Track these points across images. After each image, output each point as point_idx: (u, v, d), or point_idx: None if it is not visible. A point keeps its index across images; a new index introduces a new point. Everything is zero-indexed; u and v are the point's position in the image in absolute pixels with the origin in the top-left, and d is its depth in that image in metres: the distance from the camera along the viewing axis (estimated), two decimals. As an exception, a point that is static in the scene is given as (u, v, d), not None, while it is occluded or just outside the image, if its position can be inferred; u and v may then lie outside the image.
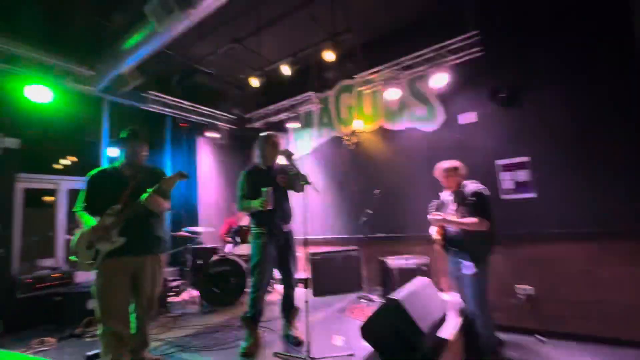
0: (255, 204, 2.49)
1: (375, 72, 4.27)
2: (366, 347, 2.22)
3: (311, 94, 4.87)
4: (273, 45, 4.56)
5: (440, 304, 2.51)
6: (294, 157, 2.60)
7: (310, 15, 3.98)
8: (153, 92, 4.39)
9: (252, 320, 2.55)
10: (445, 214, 2.66)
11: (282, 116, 5.23)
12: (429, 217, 2.70)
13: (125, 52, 3.48)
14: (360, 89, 4.50)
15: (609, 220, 3.02)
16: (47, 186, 4.18)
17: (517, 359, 2.85)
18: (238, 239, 4.33)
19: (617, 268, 3.00)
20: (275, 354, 2.37)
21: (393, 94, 4.13)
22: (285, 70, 4.38)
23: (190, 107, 4.92)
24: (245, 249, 4.15)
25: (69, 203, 4.35)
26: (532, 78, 3.47)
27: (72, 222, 4.79)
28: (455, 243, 2.68)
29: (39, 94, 3.32)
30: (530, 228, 3.38)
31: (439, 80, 3.77)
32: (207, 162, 5.62)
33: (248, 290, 3.97)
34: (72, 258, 2.17)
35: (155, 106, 4.47)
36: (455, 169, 2.72)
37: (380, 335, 2.14)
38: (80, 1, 3.31)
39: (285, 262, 2.67)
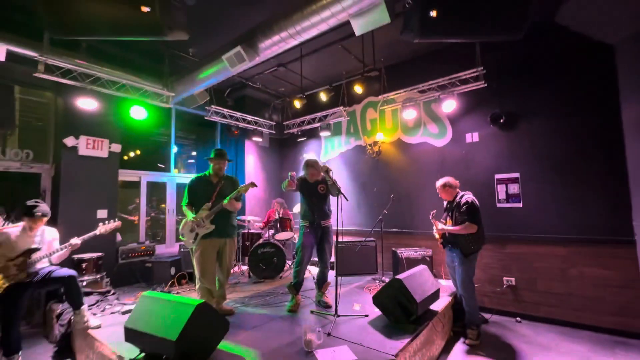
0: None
1: (396, 94, 5.07)
2: (376, 312, 3.17)
3: (340, 108, 5.72)
4: (312, 67, 5.43)
5: (433, 285, 3.38)
6: (330, 172, 3.51)
7: (342, 46, 4.80)
8: (214, 106, 5.42)
9: (295, 287, 3.57)
10: (438, 223, 3.49)
11: (316, 125, 6.13)
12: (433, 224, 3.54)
13: (199, 80, 4.50)
14: (382, 107, 5.31)
15: (579, 228, 3.74)
16: (134, 179, 5.37)
17: (495, 333, 3.68)
18: (278, 227, 5.35)
19: (585, 268, 3.73)
20: (312, 312, 3.37)
21: (410, 113, 4.91)
22: (320, 90, 5.25)
23: (240, 117, 5.93)
24: (285, 235, 5.18)
25: (148, 192, 5.55)
26: (526, 108, 4.16)
27: (155, 208, 6.03)
28: (450, 241, 3.51)
29: (138, 112, 4.43)
30: (516, 231, 4.14)
31: (449, 104, 4.51)
32: (251, 162, 6.67)
33: (287, 267, 5.05)
34: (181, 238, 3.25)
35: (215, 117, 5.51)
36: (447, 184, 3.51)
37: (386, 303, 3.07)
38: (168, 42, 4.31)
39: (322, 248, 3.63)
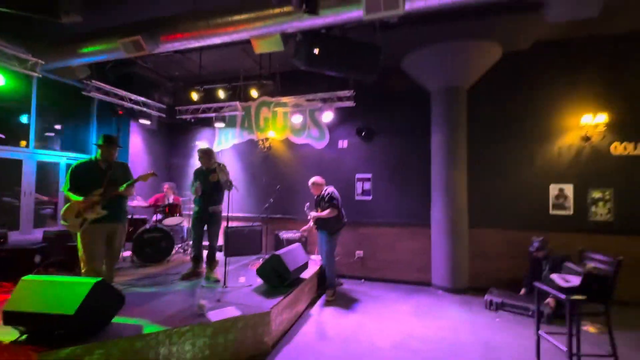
0: (192, 190, 4.06)
1: (287, 99, 5.85)
2: (259, 282, 3.92)
3: (237, 103, 6.14)
4: (210, 59, 5.62)
5: (304, 259, 4.36)
6: (224, 167, 4.02)
7: (243, 49, 5.23)
8: (94, 81, 5.00)
9: (193, 259, 4.18)
10: (313, 212, 4.50)
11: (211, 114, 6.35)
12: (308, 214, 4.51)
13: (82, 54, 4.17)
14: (275, 109, 6.02)
15: (403, 215, 5.41)
16: (-23, 154, 4.48)
17: (345, 291, 4.97)
18: (167, 212, 5.43)
19: (405, 242, 5.42)
20: (202, 286, 3.86)
21: (297, 117, 5.78)
22: (219, 86, 5.55)
23: (126, 95, 5.60)
24: (174, 221, 5.34)
25: (-5, 170, 4.70)
26: (379, 126, 5.61)
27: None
28: (320, 224, 4.55)
29: (-6, 79, 3.81)
30: (367, 217, 5.58)
31: (328, 114, 5.58)
32: (136, 144, 6.33)
33: (175, 251, 5.28)
34: (63, 222, 3.20)
35: (95, 93, 5.08)
36: (315, 183, 4.55)
37: (266, 273, 3.85)
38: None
39: (210, 232, 4.16)
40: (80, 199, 3.18)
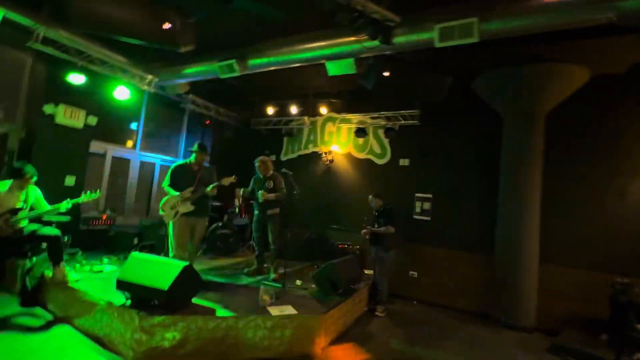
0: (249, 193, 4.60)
1: (352, 116, 6.14)
2: (313, 288, 4.17)
3: (305, 118, 6.63)
4: (285, 75, 6.19)
5: (357, 271, 4.51)
6: (290, 176, 4.43)
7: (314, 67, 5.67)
8: (192, 95, 5.90)
9: (256, 258, 4.60)
10: (370, 227, 4.61)
11: (281, 127, 6.94)
12: (363, 231, 4.65)
13: (185, 74, 5.01)
14: (339, 125, 6.35)
15: (465, 239, 5.21)
16: (100, 152, 5.59)
17: (396, 309, 4.94)
18: (237, 213, 6.07)
19: (463, 268, 5.20)
20: (263, 284, 4.23)
21: (360, 133, 6.01)
22: (290, 101, 6.10)
23: (214, 108, 6.46)
24: (242, 221, 5.94)
25: (111, 165, 5.80)
26: (444, 146, 5.54)
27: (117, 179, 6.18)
28: (375, 239, 4.65)
29: (122, 93, 4.78)
30: (424, 238, 5.50)
31: (391, 132, 5.71)
32: (216, 152, 7.20)
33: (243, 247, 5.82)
34: (160, 212, 3.86)
35: (190, 106, 5.99)
36: (376, 197, 4.66)
37: (321, 280, 4.08)
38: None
39: (270, 233, 4.54)
40: (176, 194, 3.80)
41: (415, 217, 5.65)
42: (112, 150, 5.77)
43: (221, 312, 3.10)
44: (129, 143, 6.28)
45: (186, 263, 3.05)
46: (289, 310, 3.31)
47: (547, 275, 4.60)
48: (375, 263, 4.70)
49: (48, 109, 4.47)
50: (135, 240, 5.02)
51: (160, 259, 3.19)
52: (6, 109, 4.46)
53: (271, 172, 4.58)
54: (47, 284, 3.63)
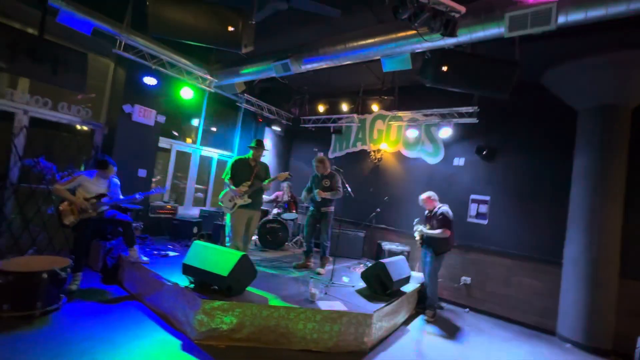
0: (303, 197, 4.70)
1: (403, 113, 5.97)
2: (360, 285, 4.15)
3: (354, 115, 6.59)
4: (335, 74, 6.23)
5: (407, 272, 4.38)
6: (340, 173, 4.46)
7: (366, 66, 5.62)
8: (247, 95, 6.19)
9: (305, 253, 4.73)
10: (421, 227, 4.44)
11: (330, 125, 6.99)
12: (415, 230, 4.49)
13: (242, 74, 5.27)
14: (390, 122, 6.21)
15: (525, 246, 4.79)
16: (167, 147, 6.14)
17: (447, 317, 4.72)
18: (285, 207, 6.25)
19: (524, 278, 4.80)
20: (311, 277, 4.32)
21: (412, 131, 5.82)
22: (340, 99, 6.11)
23: (266, 107, 6.72)
24: (291, 216, 6.11)
25: (175, 160, 6.33)
26: (504, 146, 5.14)
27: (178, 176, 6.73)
28: (426, 241, 4.48)
29: (187, 93, 5.20)
30: (478, 242, 5.17)
31: (446, 130, 5.44)
32: (268, 147, 7.48)
33: (292, 241, 6.00)
34: (220, 204, 4.12)
35: (245, 104, 6.29)
36: (429, 198, 4.46)
37: (370, 278, 4.04)
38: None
39: (322, 229, 4.62)
40: (233, 186, 4.03)
41: (470, 220, 5.33)
42: (177, 145, 6.29)
43: (273, 301, 3.23)
44: (189, 140, 6.79)
45: (243, 253, 3.23)
46: (338, 306, 3.34)
47: (628, 292, 4.06)
48: (425, 266, 4.53)
49: (127, 108, 5.01)
50: (195, 229, 5.43)
51: (220, 247, 3.42)
52: (93, 108, 5.10)
53: (329, 170, 4.66)
54: (123, 264, 4.09)
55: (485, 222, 5.20)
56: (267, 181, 4.04)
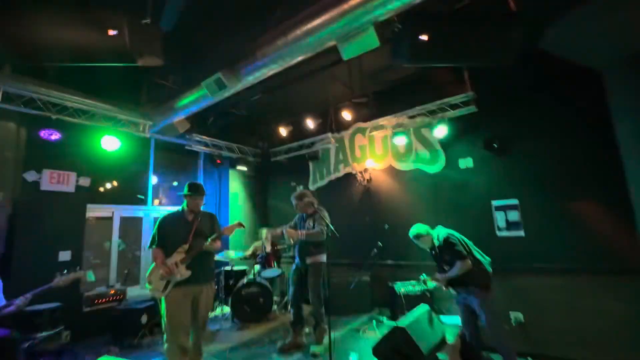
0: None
1: (385, 120, 4.93)
2: (376, 363, 2.77)
3: (328, 134, 5.54)
4: (297, 93, 5.26)
5: (438, 329, 3.03)
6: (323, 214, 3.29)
7: (330, 74, 4.67)
8: (195, 135, 5.13)
9: (291, 324, 3.43)
10: (438, 275, 3.15)
11: (303, 151, 5.91)
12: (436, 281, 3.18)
13: (178, 108, 4.24)
14: (371, 133, 5.15)
15: (585, 257, 3.51)
16: (106, 214, 4.92)
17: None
18: (265, 264, 4.93)
19: (596, 299, 3.45)
20: (303, 366, 2.94)
21: (400, 139, 4.73)
22: (307, 116, 5.08)
23: (224, 145, 5.65)
24: (272, 273, 4.77)
25: (120, 228, 5.09)
26: (519, 132, 4.04)
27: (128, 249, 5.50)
28: (459, 283, 3.10)
29: (110, 143, 4.09)
30: (520, 262, 3.87)
31: (440, 129, 4.37)
32: (236, 192, 6.31)
33: (274, 308, 4.63)
34: (147, 287, 2.83)
35: (197, 146, 5.20)
36: (418, 235, 3.24)
37: (386, 354, 2.69)
38: (146, 69, 4.08)
39: (311, 288, 3.33)
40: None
41: (501, 234, 4.06)
42: (119, 211, 5.07)
43: None
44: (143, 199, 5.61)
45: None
46: None
47: None
48: (468, 313, 3.15)
49: (30, 176, 3.85)
50: (145, 318, 4.05)
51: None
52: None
53: (313, 208, 3.52)
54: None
55: (521, 233, 3.94)
56: (208, 240, 2.82)
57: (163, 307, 2.74)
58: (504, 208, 4.07)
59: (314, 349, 3.20)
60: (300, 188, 5.87)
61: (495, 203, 4.14)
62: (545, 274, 3.74)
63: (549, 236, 3.77)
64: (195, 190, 3.00)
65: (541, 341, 3.67)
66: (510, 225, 4.01)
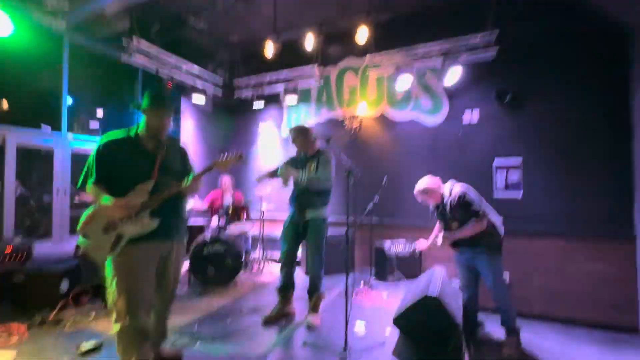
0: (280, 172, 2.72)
1: (382, 55, 4.18)
2: (389, 335, 2.33)
3: (314, 66, 4.59)
4: (279, 9, 4.11)
5: (456, 295, 2.71)
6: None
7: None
8: (136, 39, 3.69)
9: (279, 290, 2.79)
10: (442, 233, 2.82)
11: (278, 88, 4.87)
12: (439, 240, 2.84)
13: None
14: (368, 71, 4.37)
15: (582, 220, 3.50)
16: (-9, 140, 3.37)
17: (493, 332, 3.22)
18: (229, 216, 4.04)
19: (583, 263, 3.51)
20: (305, 344, 2.34)
21: (402, 81, 4.06)
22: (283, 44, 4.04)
23: (176, 63, 4.28)
24: (238, 229, 3.93)
25: (18, 161, 3.60)
26: (535, 88, 3.72)
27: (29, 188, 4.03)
28: (467, 244, 2.80)
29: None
30: (514, 224, 3.72)
31: (451, 74, 3.81)
32: (188, 129, 5.05)
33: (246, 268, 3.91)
34: (81, 242, 1.82)
35: (137, 58, 3.78)
36: (426, 190, 2.80)
37: (413, 326, 2.24)
38: None
39: (309, 247, 2.82)
40: (108, 198, 1.77)
41: (498, 195, 3.87)
42: (13, 136, 3.54)
43: None
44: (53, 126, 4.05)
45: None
46: None
47: None
48: (470, 275, 2.93)
49: None
50: (65, 285, 2.93)
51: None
52: None
53: (315, 147, 2.82)
54: None
55: (519, 194, 3.78)
56: (190, 178, 1.88)
57: (110, 272, 1.78)
58: (505, 167, 3.84)
59: (310, 319, 2.62)
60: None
61: (497, 162, 3.88)
62: (537, 238, 3.69)
63: (547, 200, 3.67)
64: (162, 103, 1.93)
65: (527, 300, 3.69)
66: (509, 186, 3.82)
